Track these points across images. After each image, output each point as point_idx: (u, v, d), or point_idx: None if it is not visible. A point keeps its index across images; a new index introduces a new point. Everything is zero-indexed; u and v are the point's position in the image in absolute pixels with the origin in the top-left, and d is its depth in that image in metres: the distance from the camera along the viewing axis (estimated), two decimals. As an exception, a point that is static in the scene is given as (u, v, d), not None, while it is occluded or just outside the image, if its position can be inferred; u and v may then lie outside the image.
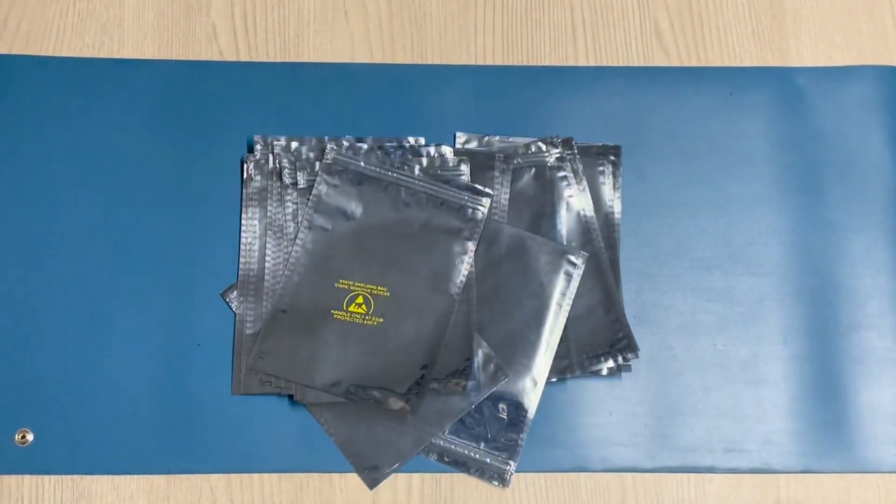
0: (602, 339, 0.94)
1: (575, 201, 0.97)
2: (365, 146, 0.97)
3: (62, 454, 0.91)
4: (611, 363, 0.93)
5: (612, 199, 0.98)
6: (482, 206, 0.96)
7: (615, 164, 0.99)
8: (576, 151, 0.98)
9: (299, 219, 0.96)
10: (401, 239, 0.95)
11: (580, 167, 0.98)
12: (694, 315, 0.96)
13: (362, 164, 0.96)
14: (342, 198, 0.96)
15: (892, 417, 0.94)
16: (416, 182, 0.96)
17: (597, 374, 0.94)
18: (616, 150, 0.99)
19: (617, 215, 0.98)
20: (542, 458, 0.92)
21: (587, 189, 0.97)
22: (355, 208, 0.95)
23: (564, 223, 0.97)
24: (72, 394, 0.92)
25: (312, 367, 0.92)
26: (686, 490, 0.92)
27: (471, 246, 0.95)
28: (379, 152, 0.97)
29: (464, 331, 0.93)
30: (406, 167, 0.96)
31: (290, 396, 0.92)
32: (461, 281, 0.94)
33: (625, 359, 0.93)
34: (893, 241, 0.98)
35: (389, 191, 0.96)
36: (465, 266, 0.94)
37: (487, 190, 0.96)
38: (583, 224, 0.97)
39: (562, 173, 0.98)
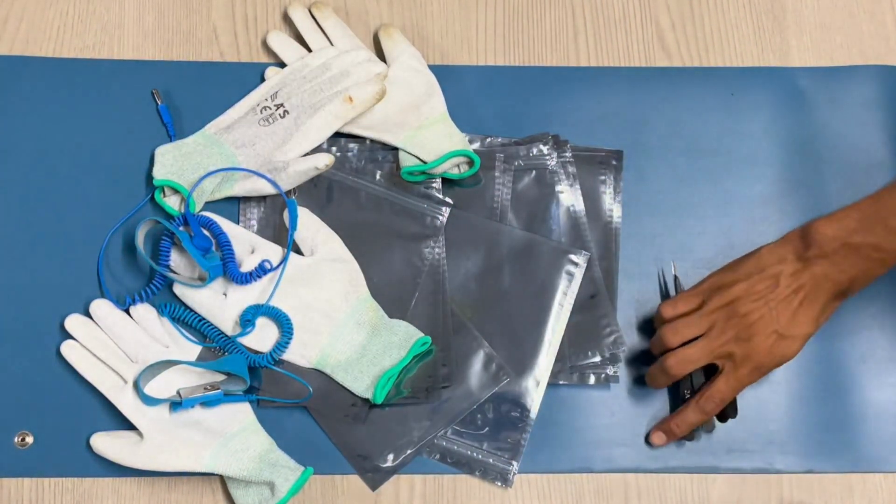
0: (591, 334, 0.94)
1: (565, 197, 0.97)
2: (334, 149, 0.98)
3: (62, 456, 0.90)
4: (598, 357, 0.93)
5: (612, 206, 0.98)
6: (441, 214, 0.96)
7: (617, 169, 0.98)
8: (567, 150, 0.98)
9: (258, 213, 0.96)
10: (358, 242, 0.95)
11: (571, 160, 0.97)
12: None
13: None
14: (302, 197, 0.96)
15: (894, 417, 0.94)
16: (376, 188, 0.96)
17: (585, 379, 0.93)
18: (618, 155, 0.99)
19: (616, 220, 0.97)
20: (545, 459, 0.92)
21: (577, 185, 0.97)
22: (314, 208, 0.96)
23: (557, 221, 0.97)
24: (72, 396, 0.91)
25: None
26: (689, 490, 0.92)
27: (428, 253, 0.95)
28: (347, 154, 0.97)
29: (439, 339, 0.93)
30: (367, 172, 0.97)
31: (258, 401, 0.92)
32: (418, 286, 0.94)
33: (613, 355, 0.93)
34: (895, 241, 0.98)
35: (349, 194, 0.96)
36: (423, 273, 0.94)
37: (448, 199, 0.96)
38: (572, 219, 0.97)
39: (552, 168, 0.98)
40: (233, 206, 0.96)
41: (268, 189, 0.94)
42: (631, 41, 1.03)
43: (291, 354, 0.92)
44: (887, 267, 0.87)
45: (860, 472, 0.93)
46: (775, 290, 0.87)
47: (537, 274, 0.95)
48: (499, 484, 0.91)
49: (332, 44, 1.00)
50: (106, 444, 0.88)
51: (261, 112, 0.96)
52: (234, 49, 1.01)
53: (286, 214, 0.94)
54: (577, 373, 0.93)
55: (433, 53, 1.02)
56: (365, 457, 0.91)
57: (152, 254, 0.94)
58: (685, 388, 0.91)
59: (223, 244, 0.92)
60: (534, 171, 0.98)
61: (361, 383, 0.91)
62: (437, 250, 0.95)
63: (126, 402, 0.89)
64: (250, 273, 0.92)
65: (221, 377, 0.90)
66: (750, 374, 0.88)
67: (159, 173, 0.94)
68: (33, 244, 0.95)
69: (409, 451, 0.91)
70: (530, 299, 0.94)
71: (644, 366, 0.94)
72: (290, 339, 0.91)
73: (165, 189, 0.94)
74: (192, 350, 0.92)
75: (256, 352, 0.92)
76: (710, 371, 0.90)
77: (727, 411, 0.91)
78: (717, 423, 0.92)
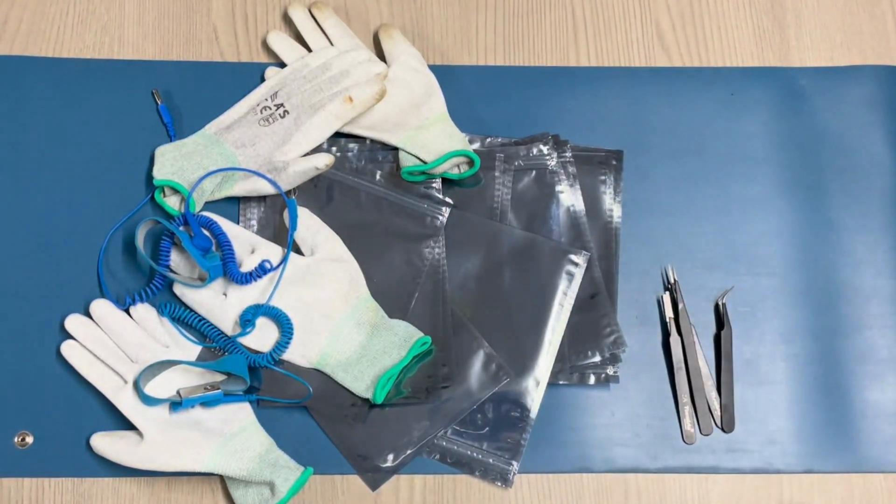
0: (591, 334, 0.94)
1: (565, 197, 0.97)
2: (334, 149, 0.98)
3: (62, 456, 0.90)
4: (598, 357, 0.93)
5: (612, 206, 0.98)
6: (441, 214, 0.96)
7: (617, 170, 0.98)
8: (567, 150, 0.98)
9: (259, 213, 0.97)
10: (358, 242, 0.95)
11: (571, 160, 0.97)
12: (696, 315, 0.96)
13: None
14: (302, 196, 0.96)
15: (894, 417, 0.94)
16: (376, 188, 0.96)
17: (585, 379, 0.93)
18: (618, 155, 0.99)
19: (616, 220, 0.97)
20: (545, 459, 0.92)
21: (577, 185, 0.97)
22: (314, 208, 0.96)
23: (557, 221, 0.97)
24: (72, 396, 0.91)
25: None
26: (689, 490, 0.92)
27: (428, 253, 0.95)
28: (348, 154, 0.97)
29: (439, 339, 0.93)
30: (367, 172, 0.97)
31: (258, 401, 0.92)
32: (418, 286, 0.94)
33: (613, 355, 0.93)
34: (895, 241, 0.98)
35: (349, 194, 0.96)
36: (423, 273, 0.94)
37: (448, 199, 0.96)
38: (572, 219, 0.97)
39: (553, 168, 0.98)
40: (233, 206, 0.96)
41: (268, 189, 0.94)
42: (631, 41, 1.03)
43: (291, 354, 0.92)
44: None
45: (860, 472, 0.93)
46: None
47: (537, 274, 0.95)
48: (499, 484, 0.91)
49: (332, 44, 1.00)
50: (106, 444, 0.88)
51: (261, 112, 0.96)
52: (234, 49, 1.01)
53: (286, 214, 0.94)
54: (577, 373, 0.93)
55: (433, 53, 1.02)
56: (365, 457, 0.91)
57: (152, 254, 0.94)
58: (682, 391, 0.92)
59: (223, 244, 0.92)
60: (534, 171, 0.98)
61: (361, 383, 0.91)
62: (437, 250, 0.95)
63: (126, 402, 0.88)
64: (250, 273, 0.92)
65: (221, 377, 0.90)
66: None
67: (159, 173, 0.94)
68: (33, 244, 0.95)
69: (409, 451, 0.91)
70: (530, 299, 0.94)
71: (644, 366, 0.94)
72: (290, 339, 0.91)
73: (165, 189, 0.94)
74: (192, 350, 0.92)
75: (256, 352, 0.92)
76: (718, 371, 0.91)
77: (724, 425, 0.92)
78: (718, 425, 0.92)
